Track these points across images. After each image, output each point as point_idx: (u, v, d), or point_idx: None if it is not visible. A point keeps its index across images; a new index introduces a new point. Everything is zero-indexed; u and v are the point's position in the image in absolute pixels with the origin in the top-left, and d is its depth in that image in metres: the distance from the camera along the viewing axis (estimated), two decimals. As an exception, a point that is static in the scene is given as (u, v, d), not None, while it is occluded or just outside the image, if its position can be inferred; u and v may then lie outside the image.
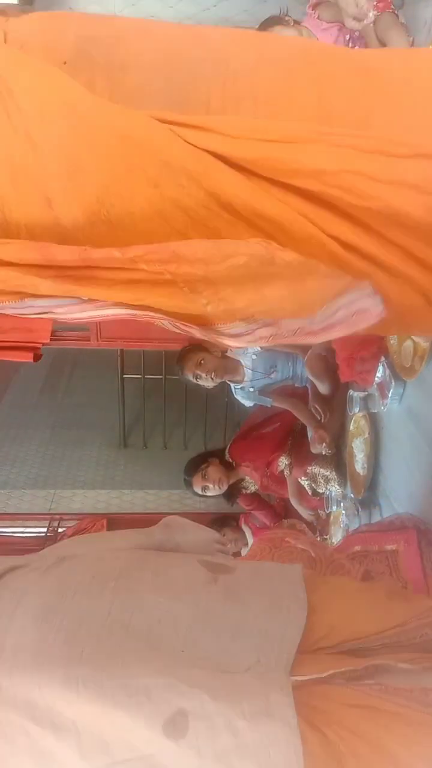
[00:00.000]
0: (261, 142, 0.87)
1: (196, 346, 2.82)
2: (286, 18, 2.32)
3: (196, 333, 0.94)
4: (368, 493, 2.31)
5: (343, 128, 0.91)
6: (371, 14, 2.14)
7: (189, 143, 0.84)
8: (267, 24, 2.33)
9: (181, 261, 0.80)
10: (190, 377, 2.85)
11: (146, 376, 5.12)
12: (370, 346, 2.25)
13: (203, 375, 2.81)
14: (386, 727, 0.86)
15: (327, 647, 0.98)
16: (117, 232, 0.83)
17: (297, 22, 2.31)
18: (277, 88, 0.94)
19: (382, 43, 2.21)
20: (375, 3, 2.22)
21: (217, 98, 0.92)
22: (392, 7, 2.21)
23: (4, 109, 0.77)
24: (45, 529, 4.39)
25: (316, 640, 0.98)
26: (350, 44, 2.35)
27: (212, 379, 2.84)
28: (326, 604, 1.03)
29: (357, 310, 0.92)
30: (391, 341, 2.00)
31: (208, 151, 0.84)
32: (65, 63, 0.88)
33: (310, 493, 2.81)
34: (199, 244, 0.82)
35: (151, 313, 0.89)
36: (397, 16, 2.20)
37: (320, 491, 2.72)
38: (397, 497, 2.10)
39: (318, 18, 2.31)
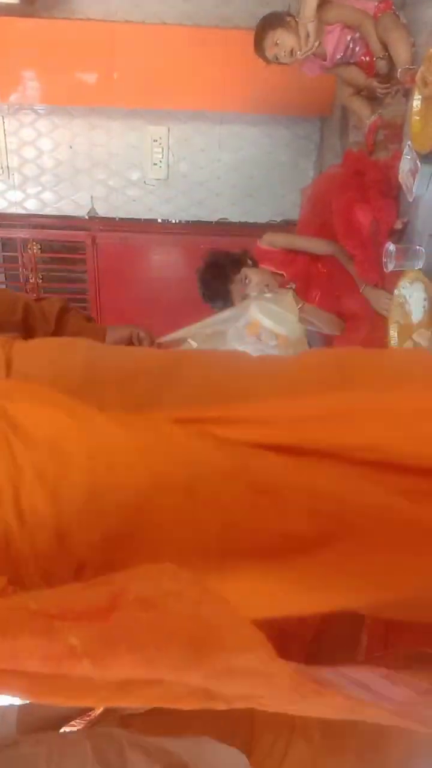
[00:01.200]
0: (301, 422, 0.79)
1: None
2: (288, 18, 2.32)
3: None
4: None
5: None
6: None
7: (220, 438, 0.76)
8: (269, 25, 2.34)
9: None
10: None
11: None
12: (371, 346, 2.26)
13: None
14: None
15: None
16: (142, 545, 0.73)
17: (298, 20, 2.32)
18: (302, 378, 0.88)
19: (384, 44, 2.23)
20: (377, 4, 2.24)
21: (234, 387, 0.86)
22: (393, 7, 2.22)
23: (7, 447, 0.71)
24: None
25: None
26: (351, 45, 2.35)
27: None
28: None
29: None
30: (392, 341, 2.01)
31: (244, 442, 0.76)
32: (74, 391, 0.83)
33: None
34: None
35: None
36: (398, 17, 2.21)
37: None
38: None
39: (320, 19, 2.32)
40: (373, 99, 2.44)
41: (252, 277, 2.35)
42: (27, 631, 0.50)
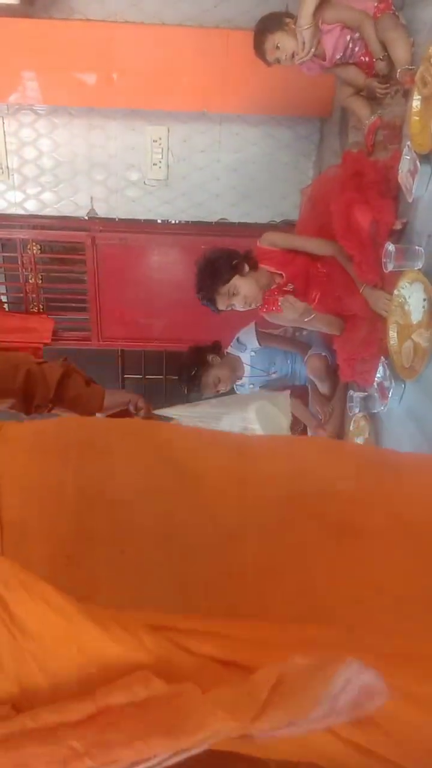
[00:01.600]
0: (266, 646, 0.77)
1: (201, 367, 2.82)
2: (287, 21, 2.32)
3: None
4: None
5: None
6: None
7: (188, 651, 0.75)
8: (267, 29, 2.33)
9: None
10: (212, 392, 2.88)
11: (147, 377, 5.12)
12: (371, 347, 2.26)
13: (225, 387, 2.88)
14: None
15: None
16: None
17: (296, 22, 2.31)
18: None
19: (383, 44, 2.22)
20: (376, 4, 2.23)
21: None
22: (393, 8, 2.21)
23: (7, 631, 0.73)
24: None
25: None
26: (351, 45, 2.35)
27: (230, 383, 2.90)
28: None
29: None
30: (392, 341, 2.00)
31: (208, 657, 0.76)
32: (68, 558, 0.83)
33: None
34: None
35: None
36: (397, 17, 2.21)
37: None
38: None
39: (321, 22, 2.31)
40: (372, 99, 2.43)
41: (240, 289, 2.37)
42: (34, 741, 0.61)
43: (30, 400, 1.35)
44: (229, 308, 2.44)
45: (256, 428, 1.96)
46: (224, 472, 0.95)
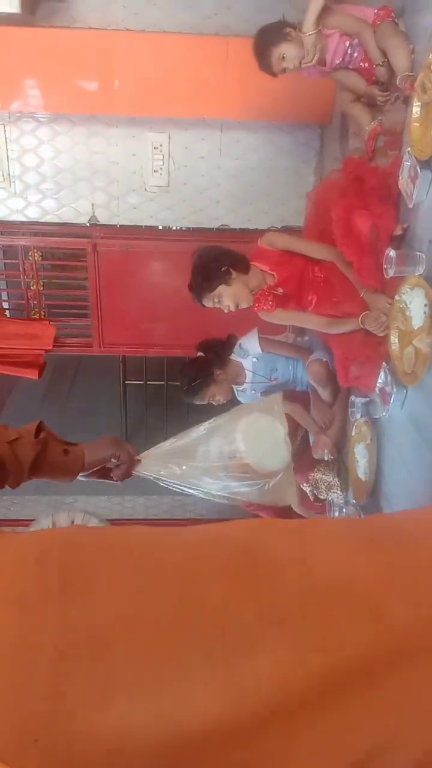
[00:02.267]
0: None
1: (203, 380, 2.86)
2: (287, 30, 2.33)
3: None
4: (370, 500, 2.31)
5: None
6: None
7: None
8: (270, 42, 2.33)
9: None
10: (209, 400, 2.95)
11: (148, 382, 5.13)
12: (366, 348, 2.26)
13: (220, 401, 2.96)
14: None
15: None
16: None
17: (297, 29, 2.32)
18: None
19: (383, 51, 2.23)
20: (376, 11, 2.25)
21: None
22: (392, 15, 2.22)
23: None
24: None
25: None
26: (349, 51, 2.36)
27: (226, 399, 2.97)
28: None
29: None
30: (393, 347, 2.01)
31: None
32: (35, 741, 0.69)
33: (312, 499, 2.81)
34: None
35: None
36: (396, 24, 2.22)
37: (322, 497, 2.72)
38: (399, 504, 2.09)
39: (322, 26, 2.32)
40: (372, 106, 2.44)
41: (224, 298, 2.40)
42: None
43: (3, 481, 1.30)
44: (215, 307, 2.49)
45: (243, 450, 1.95)
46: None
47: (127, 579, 0.83)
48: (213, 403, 2.94)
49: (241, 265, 2.42)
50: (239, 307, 2.44)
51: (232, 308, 2.43)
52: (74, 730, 0.69)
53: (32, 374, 3.80)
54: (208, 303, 2.45)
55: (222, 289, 2.39)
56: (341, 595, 0.85)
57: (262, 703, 0.74)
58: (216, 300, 2.41)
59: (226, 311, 2.45)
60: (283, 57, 2.34)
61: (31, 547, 0.87)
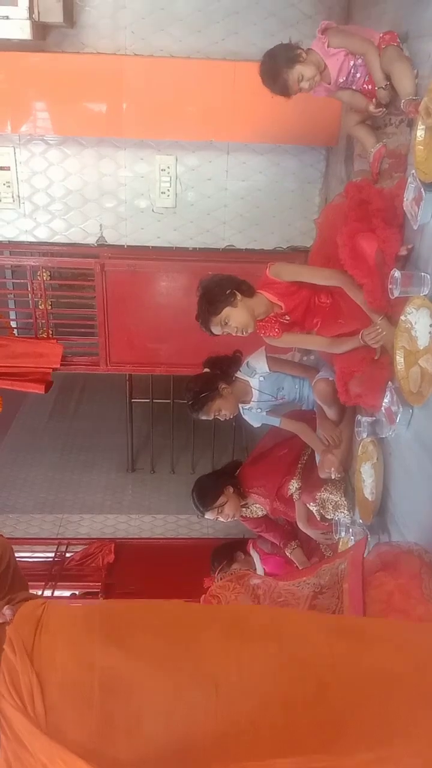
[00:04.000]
0: None
1: (209, 394, 2.87)
2: (298, 51, 2.36)
3: None
4: (377, 519, 2.30)
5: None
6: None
7: None
8: (284, 65, 2.36)
9: None
10: (209, 418, 2.94)
11: (154, 400, 5.14)
12: (365, 363, 2.27)
13: (226, 416, 2.95)
14: None
15: None
16: None
17: (307, 51, 2.36)
18: None
19: (387, 75, 2.27)
20: (381, 35, 2.28)
21: None
22: (397, 40, 2.26)
23: None
24: (53, 554, 4.38)
25: None
26: (353, 71, 2.39)
27: (232, 414, 2.95)
28: None
29: None
30: (399, 367, 2.01)
31: None
32: (91, 752, 1.02)
33: (318, 519, 2.80)
34: None
35: None
36: (401, 49, 2.25)
37: (329, 517, 2.71)
38: (406, 523, 2.09)
39: (327, 45, 2.36)
40: (377, 128, 2.47)
41: (231, 320, 2.41)
42: None
43: None
44: (225, 333, 2.48)
45: None
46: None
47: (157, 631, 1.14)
48: (219, 418, 2.94)
49: (245, 287, 2.45)
50: (246, 331, 2.46)
51: (240, 331, 2.44)
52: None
53: (38, 389, 3.82)
54: (216, 329, 2.45)
55: (228, 311, 2.40)
56: None
57: None
58: (224, 323, 2.42)
59: (234, 333, 2.45)
60: (302, 77, 2.36)
61: (79, 609, 1.22)
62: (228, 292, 2.40)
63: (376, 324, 2.17)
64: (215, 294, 2.42)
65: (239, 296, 2.41)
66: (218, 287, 2.43)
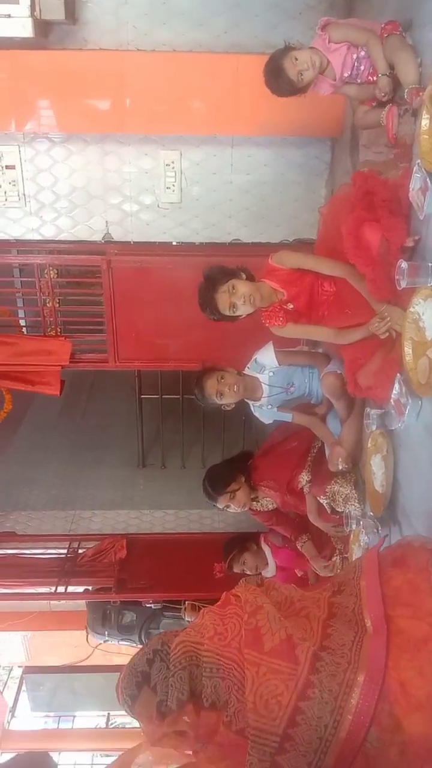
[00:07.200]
0: None
1: (211, 368, 2.84)
2: (291, 45, 2.36)
3: None
4: (387, 511, 2.30)
5: None
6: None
7: None
8: (280, 55, 2.36)
9: None
10: (213, 397, 2.81)
11: (163, 396, 5.15)
12: (373, 353, 2.26)
13: (226, 390, 2.79)
14: None
15: None
16: None
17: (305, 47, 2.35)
18: None
19: (391, 64, 2.25)
20: (383, 25, 2.26)
21: None
22: (400, 29, 2.24)
23: None
24: (65, 550, 4.41)
25: None
26: (356, 64, 2.38)
27: (235, 392, 2.81)
28: None
29: None
30: (407, 357, 2.00)
31: None
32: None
33: (329, 512, 2.80)
34: None
35: None
36: (404, 37, 2.23)
37: (339, 510, 2.71)
38: (417, 515, 2.08)
39: (328, 41, 2.35)
40: (383, 105, 2.41)
41: (238, 287, 2.44)
42: None
43: None
44: (232, 310, 2.46)
45: None
46: None
47: None
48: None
49: (247, 273, 2.48)
50: (253, 301, 2.44)
51: (247, 301, 2.43)
52: None
53: (54, 391, 3.86)
54: (223, 303, 2.45)
55: (234, 281, 2.44)
56: None
57: None
58: (232, 291, 2.42)
59: (241, 304, 2.44)
60: (295, 59, 2.34)
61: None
62: (230, 271, 2.47)
63: (381, 312, 2.16)
64: (218, 272, 2.47)
65: (243, 275, 2.46)
66: (219, 269, 2.49)
